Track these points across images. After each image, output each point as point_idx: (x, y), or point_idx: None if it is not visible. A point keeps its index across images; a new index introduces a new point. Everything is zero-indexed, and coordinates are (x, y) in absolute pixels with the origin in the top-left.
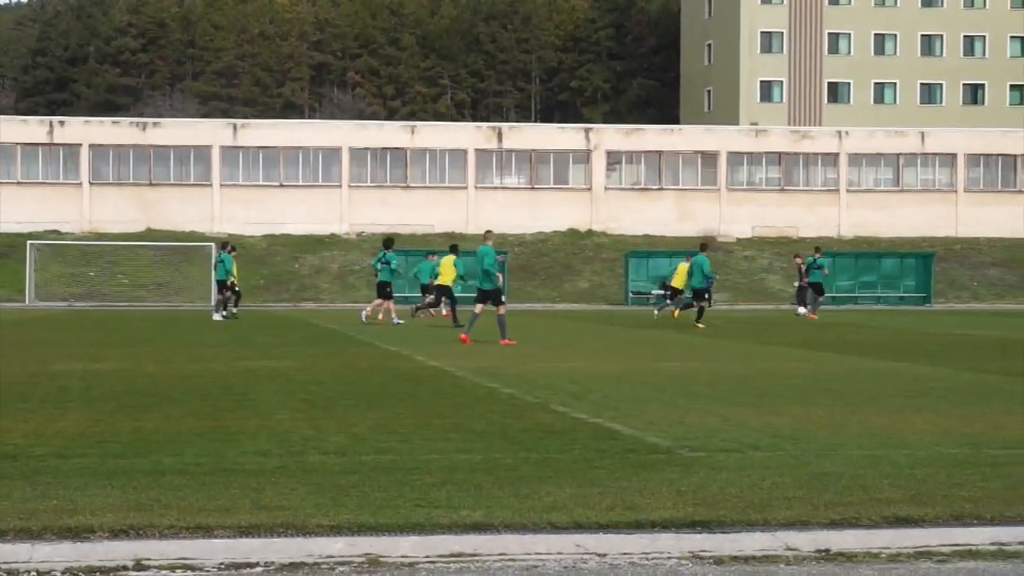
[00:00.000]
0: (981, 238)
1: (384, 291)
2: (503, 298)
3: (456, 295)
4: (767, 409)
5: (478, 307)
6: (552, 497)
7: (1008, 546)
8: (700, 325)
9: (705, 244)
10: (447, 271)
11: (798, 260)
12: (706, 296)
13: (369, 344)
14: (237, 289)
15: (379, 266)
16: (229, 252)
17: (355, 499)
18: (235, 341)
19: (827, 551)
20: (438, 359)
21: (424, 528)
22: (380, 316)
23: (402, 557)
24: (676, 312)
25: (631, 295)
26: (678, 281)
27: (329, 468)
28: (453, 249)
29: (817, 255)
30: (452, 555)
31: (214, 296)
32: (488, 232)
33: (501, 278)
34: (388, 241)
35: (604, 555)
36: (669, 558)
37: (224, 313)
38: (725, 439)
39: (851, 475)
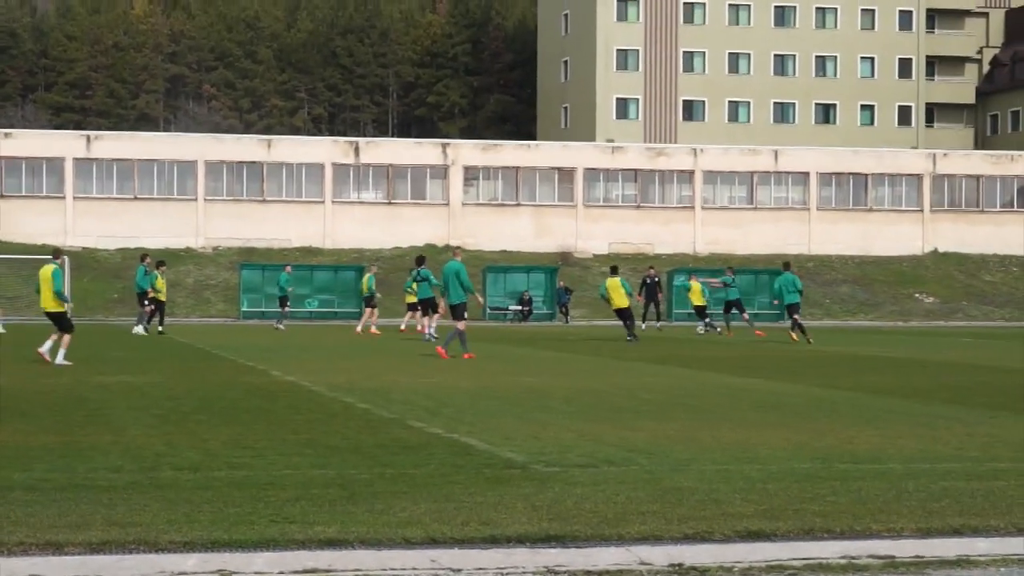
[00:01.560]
0: (833, 255)
1: (427, 307)
2: (464, 314)
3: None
4: (622, 424)
5: (461, 323)
6: (407, 512)
7: (858, 559)
8: (811, 340)
9: (788, 263)
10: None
11: (652, 271)
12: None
13: (224, 359)
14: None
15: (413, 286)
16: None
17: (208, 515)
18: (89, 356)
19: (680, 565)
20: (294, 374)
21: (278, 544)
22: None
23: (256, 573)
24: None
25: (488, 310)
26: (696, 299)
27: (182, 484)
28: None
29: (729, 274)
30: (306, 571)
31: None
32: (457, 248)
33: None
34: (420, 259)
35: (459, 570)
36: (524, 573)
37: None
38: (580, 454)
39: (704, 490)
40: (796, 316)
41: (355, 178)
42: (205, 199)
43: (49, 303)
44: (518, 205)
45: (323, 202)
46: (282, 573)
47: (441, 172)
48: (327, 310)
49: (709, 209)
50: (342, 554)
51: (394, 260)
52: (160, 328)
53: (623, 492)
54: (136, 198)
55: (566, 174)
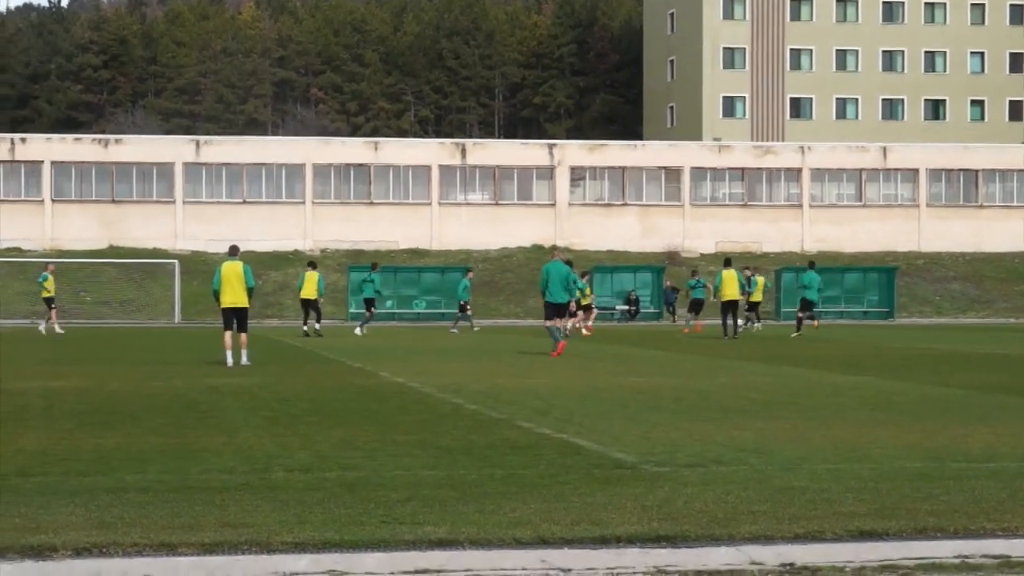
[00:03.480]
0: (943, 253)
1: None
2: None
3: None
4: (731, 424)
5: (558, 322)
6: (517, 513)
7: (971, 559)
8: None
9: (813, 262)
10: (310, 286)
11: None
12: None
13: (333, 360)
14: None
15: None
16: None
17: (320, 516)
18: (200, 358)
19: (792, 565)
20: (402, 375)
21: (389, 544)
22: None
23: (367, 573)
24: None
25: (596, 310)
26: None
27: (293, 485)
28: (312, 265)
29: (696, 276)
30: (417, 571)
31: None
32: (557, 248)
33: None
34: (567, 262)
35: (569, 570)
36: (634, 573)
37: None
38: (689, 454)
39: (815, 489)
40: (803, 314)
41: (462, 179)
42: (313, 202)
43: (240, 298)
44: (624, 205)
45: (430, 204)
46: (392, 573)
47: (547, 173)
48: (434, 311)
49: (817, 207)
50: (452, 554)
51: (501, 261)
52: (316, 327)
53: (733, 492)
54: (245, 202)
55: (672, 173)
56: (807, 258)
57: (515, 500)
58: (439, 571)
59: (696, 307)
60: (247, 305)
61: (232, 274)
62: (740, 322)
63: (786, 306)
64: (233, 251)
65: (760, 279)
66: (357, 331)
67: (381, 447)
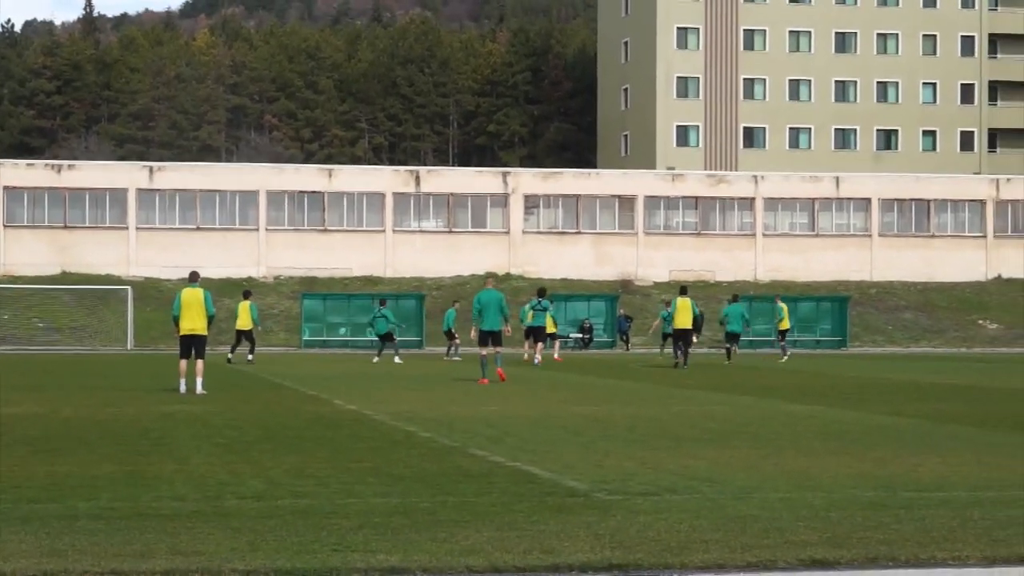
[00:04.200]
0: (896, 282)
1: (538, 335)
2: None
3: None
4: (684, 452)
5: (484, 350)
6: (470, 541)
7: None
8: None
9: (736, 295)
10: (244, 316)
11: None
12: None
13: (286, 388)
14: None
15: (530, 314)
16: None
17: (272, 544)
18: (153, 385)
19: None
20: (356, 402)
21: (341, 572)
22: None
23: None
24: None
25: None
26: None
27: (246, 513)
28: (247, 295)
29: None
30: None
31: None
32: (490, 276)
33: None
34: (542, 290)
35: None
36: None
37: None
38: (642, 482)
39: (767, 518)
40: (731, 345)
41: (416, 207)
42: (267, 229)
43: (199, 325)
44: (578, 233)
45: (384, 231)
46: None
47: (501, 200)
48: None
49: (770, 236)
50: None
51: (455, 289)
52: (246, 357)
53: (686, 520)
54: (198, 228)
55: (626, 202)
56: (761, 287)
57: (468, 528)
58: None
59: (732, 339)
60: (205, 332)
61: (192, 300)
62: (779, 351)
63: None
64: (193, 277)
65: (784, 305)
66: (396, 359)
67: (334, 475)
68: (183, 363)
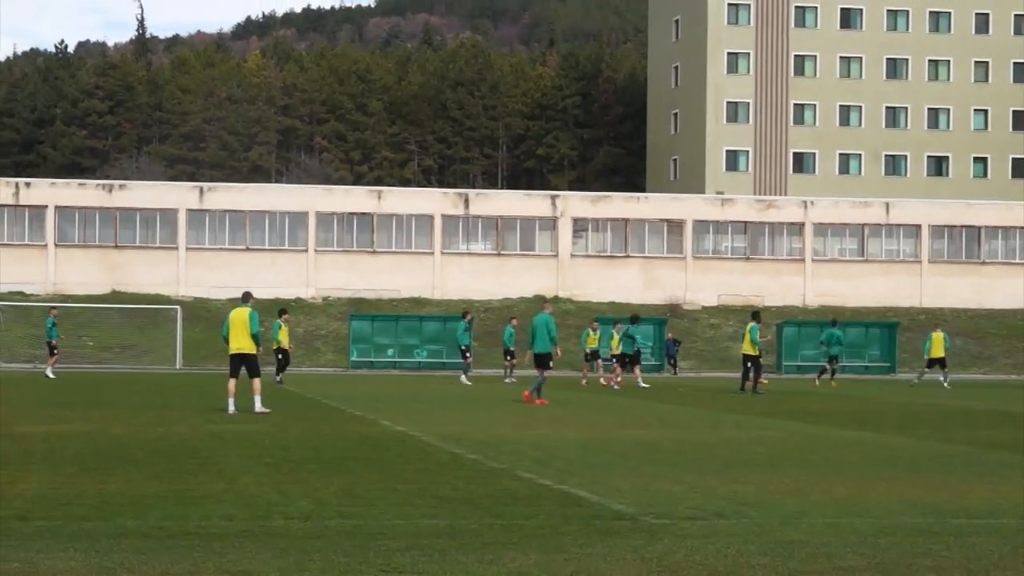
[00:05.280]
0: (945, 308)
1: (624, 360)
2: (550, 363)
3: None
4: (732, 477)
5: (547, 372)
6: (516, 563)
7: None
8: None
9: (636, 316)
10: (283, 335)
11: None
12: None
13: (334, 408)
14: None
15: (625, 338)
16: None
17: (319, 563)
18: (202, 405)
19: None
20: (403, 424)
21: None
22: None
23: None
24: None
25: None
26: (937, 351)
27: (293, 532)
28: (281, 313)
29: (632, 325)
30: None
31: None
32: (547, 303)
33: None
34: (635, 318)
35: None
36: None
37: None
38: (690, 506)
39: (815, 543)
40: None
41: (464, 229)
42: (316, 250)
43: (246, 344)
44: (627, 257)
45: (432, 253)
46: None
47: (550, 224)
48: (435, 360)
49: (819, 261)
50: None
51: (502, 311)
52: (278, 378)
53: (733, 545)
54: (248, 249)
55: (675, 226)
56: (809, 312)
57: (515, 550)
58: None
59: (832, 361)
60: (253, 352)
61: (239, 320)
62: (941, 378)
63: (787, 360)
64: (245, 298)
65: (937, 334)
66: (463, 379)
67: (381, 495)
68: (232, 383)
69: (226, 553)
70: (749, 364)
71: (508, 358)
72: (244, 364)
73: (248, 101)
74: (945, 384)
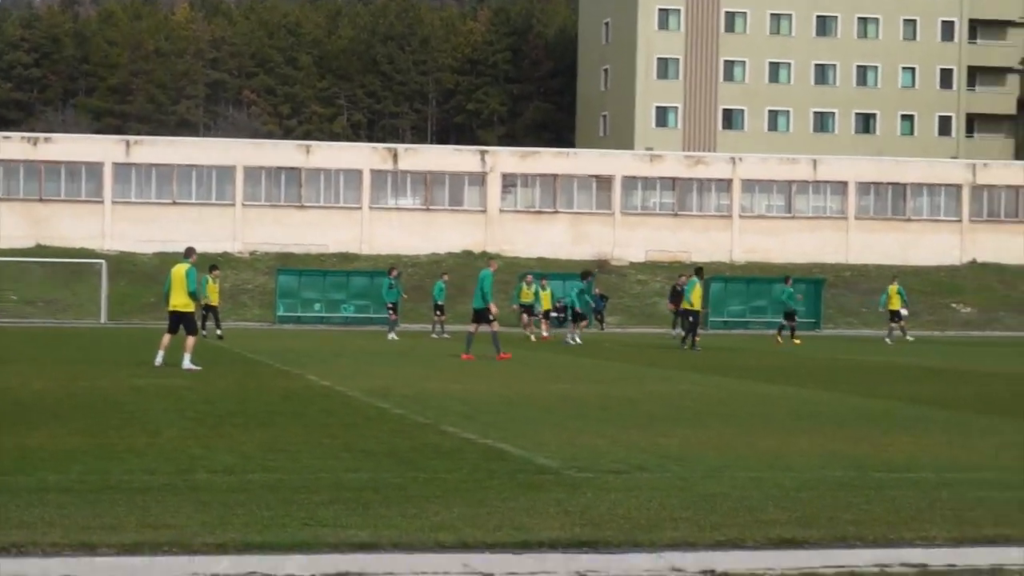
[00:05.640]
0: (870, 265)
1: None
2: (490, 318)
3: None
4: (656, 431)
5: (473, 326)
6: (440, 517)
7: (890, 567)
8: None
9: (588, 272)
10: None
11: (681, 279)
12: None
13: (260, 363)
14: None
15: (579, 295)
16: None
17: (242, 518)
18: (125, 359)
19: (712, 572)
20: (329, 378)
21: (311, 547)
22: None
23: None
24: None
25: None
26: (894, 304)
27: (217, 486)
28: (212, 269)
29: (584, 280)
30: (338, 574)
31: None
32: (491, 259)
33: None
34: (586, 273)
35: (491, 575)
36: None
37: None
38: (614, 460)
39: (737, 496)
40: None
41: (393, 184)
42: (243, 204)
43: (181, 302)
44: (555, 212)
45: (360, 208)
46: None
47: (479, 179)
48: (362, 315)
49: (747, 218)
50: (374, 557)
51: (430, 267)
52: (219, 333)
53: (656, 498)
54: (174, 203)
55: (604, 182)
56: (736, 268)
57: (438, 504)
58: (360, 574)
59: (790, 317)
60: (189, 310)
61: (177, 278)
62: (898, 333)
63: (714, 316)
64: (187, 253)
65: (893, 287)
66: (390, 336)
67: (306, 449)
68: (166, 337)
69: (149, 507)
70: (691, 318)
71: (437, 313)
72: (179, 321)
73: (176, 54)
74: (908, 337)
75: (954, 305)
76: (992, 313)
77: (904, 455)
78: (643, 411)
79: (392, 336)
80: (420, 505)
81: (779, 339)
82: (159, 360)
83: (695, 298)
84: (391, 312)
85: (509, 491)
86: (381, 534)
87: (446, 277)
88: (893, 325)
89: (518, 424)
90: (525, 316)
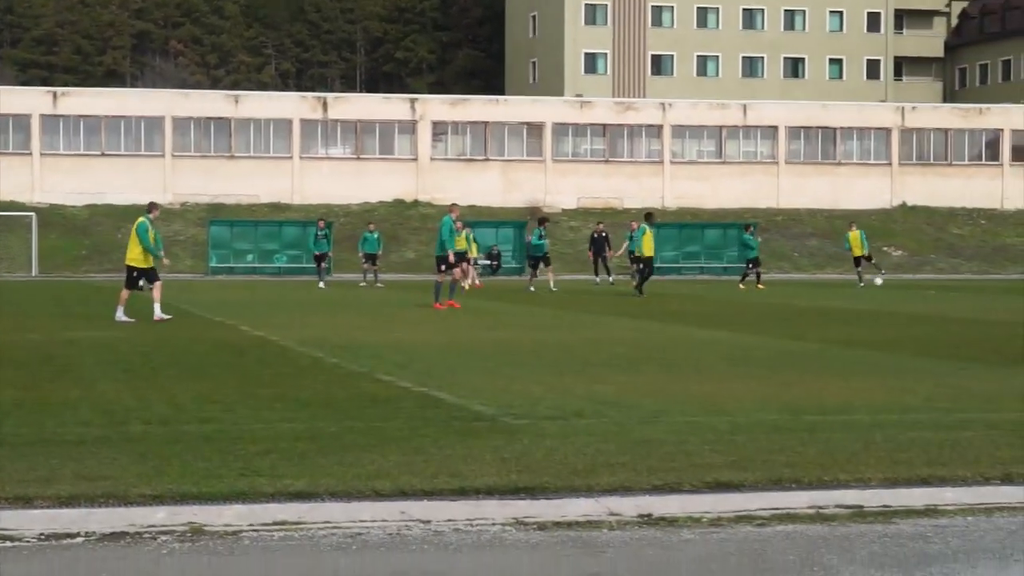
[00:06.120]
0: (802, 209)
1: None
2: (443, 267)
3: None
4: (592, 377)
5: (439, 276)
6: (376, 465)
7: (825, 509)
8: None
9: (545, 218)
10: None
11: (600, 227)
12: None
13: (193, 315)
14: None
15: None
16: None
17: (177, 468)
18: (58, 311)
19: (649, 516)
20: (263, 329)
21: (248, 497)
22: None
23: (225, 526)
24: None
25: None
26: (857, 250)
27: (152, 438)
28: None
29: (540, 226)
30: (276, 523)
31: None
32: (452, 205)
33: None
34: (543, 219)
35: (428, 522)
36: (493, 524)
37: None
38: (549, 407)
39: (673, 441)
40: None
41: (323, 134)
42: (173, 155)
43: (131, 255)
44: (486, 160)
45: (291, 158)
46: (252, 526)
47: (409, 127)
48: (296, 265)
49: (678, 163)
50: (311, 507)
51: (362, 215)
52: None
53: (592, 444)
54: (103, 154)
55: (534, 129)
56: (668, 214)
57: (375, 452)
58: (298, 523)
59: (752, 264)
60: (140, 265)
61: (132, 232)
62: (868, 276)
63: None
64: (148, 208)
65: (854, 233)
66: (321, 285)
67: (240, 400)
68: (124, 292)
69: (83, 459)
70: (641, 265)
71: (367, 263)
72: (138, 275)
73: (101, 4)
74: (877, 281)
75: (886, 248)
76: (923, 256)
77: (837, 398)
78: (578, 357)
79: (322, 285)
80: (357, 454)
81: (742, 286)
82: (117, 316)
83: (646, 245)
84: (320, 263)
85: (445, 439)
86: (318, 483)
87: (372, 227)
88: (859, 270)
89: (453, 372)
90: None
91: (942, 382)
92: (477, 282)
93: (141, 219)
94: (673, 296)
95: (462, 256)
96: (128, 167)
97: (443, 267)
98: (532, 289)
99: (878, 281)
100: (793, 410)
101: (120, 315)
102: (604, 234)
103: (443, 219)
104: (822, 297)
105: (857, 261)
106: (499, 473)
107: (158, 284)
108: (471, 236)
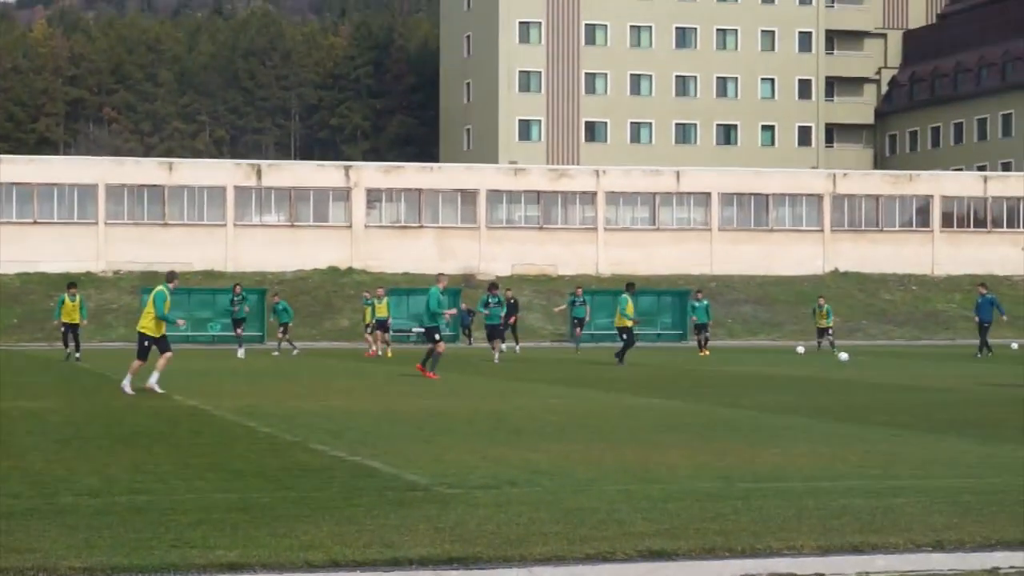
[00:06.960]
0: (735, 276)
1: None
2: (437, 336)
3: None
4: (525, 446)
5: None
6: (309, 536)
7: None
8: None
9: (495, 283)
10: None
11: (509, 293)
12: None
13: None
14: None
15: (483, 310)
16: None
17: (108, 540)
18: None
19: None
20: (196, 398)
21: (179, 569)
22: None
23: None
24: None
25: (391, 333)
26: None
27: (82, 509)
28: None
29: (490, 293)
30: None
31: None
32: (440, 275)
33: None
34: (493, 285)
35: None
36: None
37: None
38: (483, 475)
39: (606, 510)
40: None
41: (257, 201)
42: (106, 223)
43: (143, 323)
44: (421, 227)
45: (225, 225)
46: None
47: (343, 195)
48: (229, 334)
49: (612, 230)
50: None
51: (297, 283)
52: (76, 355)
53: (525, 513)
54: (36, 222)
55: (469, 196)
56: (603, 281)
57: (307, 523)
58: None
59: (700, 330)
60: (151, 333)
61: (149, 301)
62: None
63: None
64: (168, 277)
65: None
66: (240, 354)
67: (173, 470)
68: (135, 363)
69: (12, 532)
70: (624, 336)
71: (281, 331)
72: (150, 343)
73: (34, 71)
74: (841, 356)
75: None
76: (855, 322)
77: (771, 465)
78: (510, 425)
79: (241, 354)
80: (289, 524)
81: (703, 353)
82: (125, 386)
83: (630, 313)
84: (236, 329)
85: (379, 508)
86: (250, 554)
87: (276, 297)
88: (821, 340)
89: (387, 440)
90: (379, 332)
91: (874, 448)
92: (388, 352)
93: (160, 288)
94: (607, 363)
95: (382, 324)
96: (61, 235)
97: (437, 336)
98: (497, 361)
99: (843, 356)
100: (726, 477)
101: (127, 386)
102: (513, 300)
103: (430, 290)
104: (754, 364)
105: (820, 332)
106: (432, 543)
107: (168, 355)
108: (389, 303)
